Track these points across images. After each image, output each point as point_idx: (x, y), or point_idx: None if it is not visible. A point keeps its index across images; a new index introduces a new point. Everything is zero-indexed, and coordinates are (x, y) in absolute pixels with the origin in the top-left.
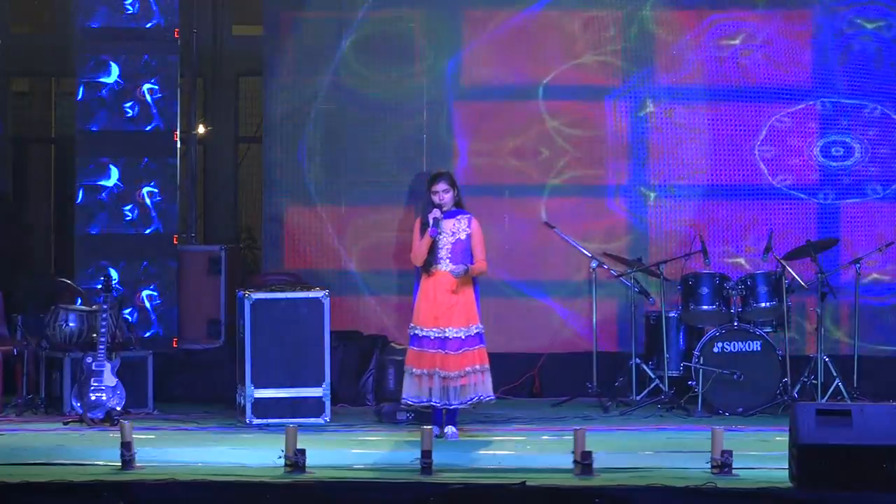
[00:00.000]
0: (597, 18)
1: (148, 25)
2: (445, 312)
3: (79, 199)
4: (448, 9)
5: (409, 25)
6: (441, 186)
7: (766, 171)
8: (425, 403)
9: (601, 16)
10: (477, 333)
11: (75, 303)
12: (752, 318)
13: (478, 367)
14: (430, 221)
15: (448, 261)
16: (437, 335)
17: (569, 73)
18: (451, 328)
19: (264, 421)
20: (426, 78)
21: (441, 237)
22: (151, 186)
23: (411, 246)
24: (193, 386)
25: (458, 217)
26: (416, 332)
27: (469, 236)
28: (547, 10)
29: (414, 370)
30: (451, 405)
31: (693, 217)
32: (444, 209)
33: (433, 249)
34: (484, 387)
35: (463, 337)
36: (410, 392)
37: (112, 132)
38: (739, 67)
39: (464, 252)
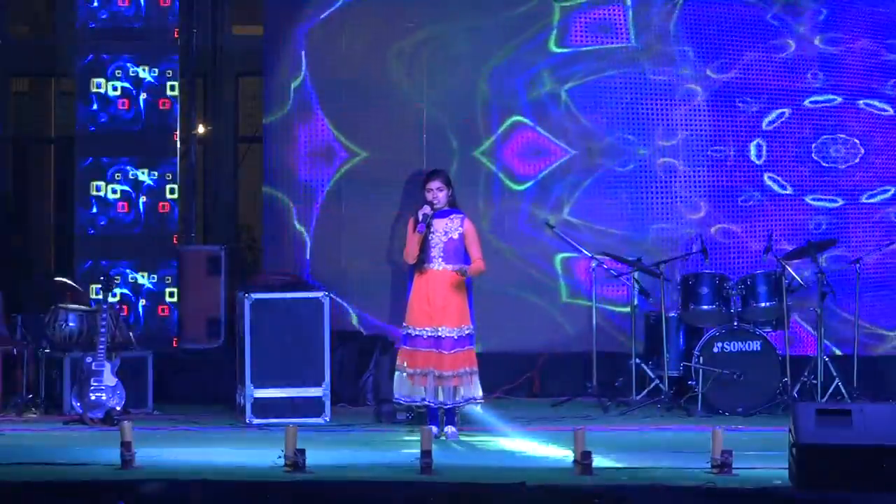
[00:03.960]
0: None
1: (148, 25)
2: (439, 311)
3: (78, 200)
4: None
5: (408, 26)
6: (435, 184)
7: (764, 171)
8: (418, 403)
9: None
10: (468, 335)
11: (74, 303)
12: (752, 318)
13: (467, 368)
14: (420, 218)
15: (441, 260)
16: (430, 334)
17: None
18: (444, 327)
19: (264, 421)
20: (427, 77)
21: (434, 236)
22: (152, 186)
23: (406, 244)
24: (193, 386)
25: (452, 216)
26: (409, 331)
27: (462, 235)
28: None
29: (406, 369)
30: (446, 405)
31: (693, 217)
32: (437, 207)
33: (426, 248)
34: (474, 388)
35: (455, 337)
36: (403, 391)
37: (112, 132)
38: (740, 65)
39: (456, 251)
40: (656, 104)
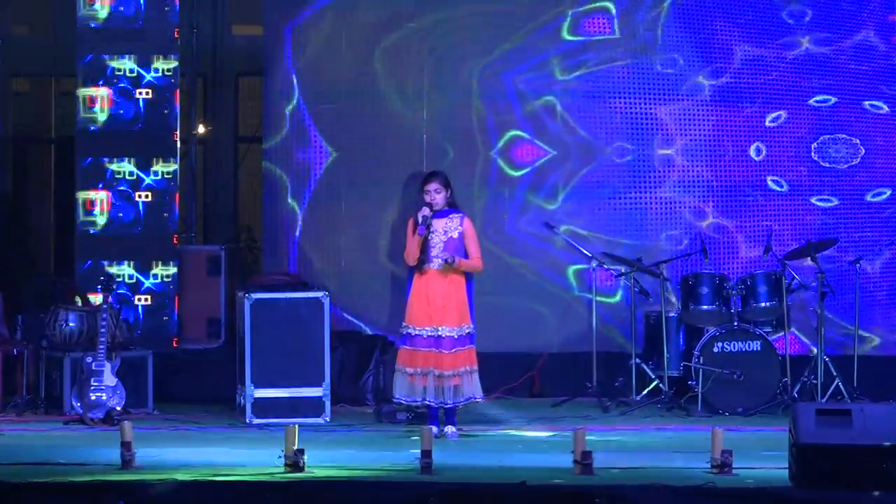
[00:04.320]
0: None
1: (148, 25)
2: (439, 311)
3: (78, 200)
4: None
5: (409, 25)
6: (433, 186)
7: (764, 171)
8: (419, 403)
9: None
10: (469, 334)
11: (75, 303)
12: (752, 318)
13: (468, 368)
14: (420, 220)
15: (440, 259)
16: (430, 334)
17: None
18: (444, 326)
19: (264, 421)
20: (427, 78)
21: (433, 236)
22: (151, 186)
23: (405, 245)
24: (193, 386)
25: (451, 216)
26: (409, 331)
27: (461, 235)
28: None
29: (407, 369)
30: (447, 404)
31: (693, 217)
32: (436, 209)
33: (425, 248)
34: (474, 387)
35: (455, 336)
36: (403, 391)
37: (112, 132)
38: (738, 65)
39: (456, 251)
40: (652, 110)
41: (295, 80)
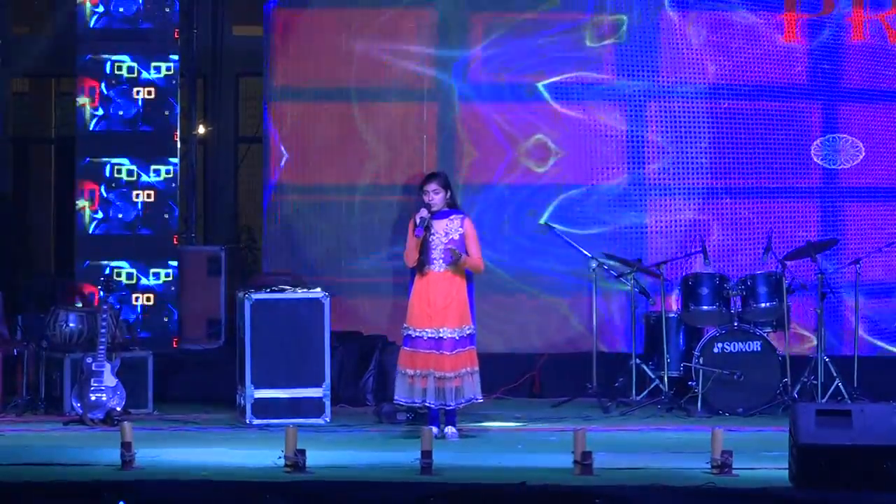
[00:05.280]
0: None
1: (148, 25)
2: (440, 312)
3: (79, 200)
4: (452, 10)
5: (409, 26)
6: (431, 187)
7: (765, 171)
8: (418, 404)
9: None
10: (470, 335)
11: (75, 303)
12: (752, 318)
13: (468, 369)
14: (417, 221)
15: (441, 261)
16: (431, 335)
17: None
18: (445, 328)
19: (264, 421)
20: (427, 78)
21: (434, 238)
22: (151, 186)
23: (406, 246)
24: (193, 386)
25: (451, 217)
26: (410, 332)
27: (462, 236)
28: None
29: (407, 371)
30: (448, 406)
31: (694, 218)
32: (434, 210)
33: (426, 250)
34: (475, 388)
35: (457, 337)
36: (402, 393)
37: (112, 132)
38: (738, 65)
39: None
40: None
41: (295, 80)
